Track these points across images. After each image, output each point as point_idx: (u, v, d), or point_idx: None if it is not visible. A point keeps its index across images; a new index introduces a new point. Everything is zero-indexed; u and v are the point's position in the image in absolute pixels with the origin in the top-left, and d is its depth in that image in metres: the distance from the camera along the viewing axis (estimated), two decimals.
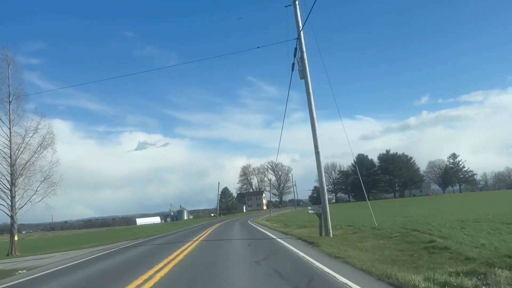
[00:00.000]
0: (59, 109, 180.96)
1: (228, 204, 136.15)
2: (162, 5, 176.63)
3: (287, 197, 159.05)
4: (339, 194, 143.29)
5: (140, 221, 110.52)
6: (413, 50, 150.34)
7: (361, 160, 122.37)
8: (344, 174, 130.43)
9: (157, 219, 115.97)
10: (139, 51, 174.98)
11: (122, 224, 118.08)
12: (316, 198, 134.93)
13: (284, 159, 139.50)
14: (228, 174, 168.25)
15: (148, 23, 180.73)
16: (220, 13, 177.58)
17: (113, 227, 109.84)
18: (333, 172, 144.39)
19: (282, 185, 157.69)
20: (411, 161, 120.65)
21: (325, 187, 15.44)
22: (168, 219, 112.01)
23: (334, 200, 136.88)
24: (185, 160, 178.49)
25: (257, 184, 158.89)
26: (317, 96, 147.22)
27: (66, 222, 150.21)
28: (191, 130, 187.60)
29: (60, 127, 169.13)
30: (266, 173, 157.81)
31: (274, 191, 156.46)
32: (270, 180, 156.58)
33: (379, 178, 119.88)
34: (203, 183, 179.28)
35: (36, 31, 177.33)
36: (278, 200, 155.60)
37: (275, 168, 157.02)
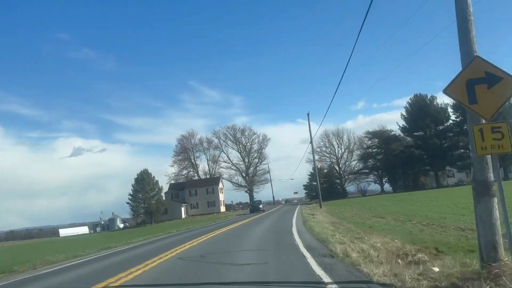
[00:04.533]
0: None
1: (150, 204, 73.86)
2: (99, 7, 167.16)
3: (260, 190, 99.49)
4: (351, 184, 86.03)
5: (65, 232, 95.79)
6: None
7: (422, 107, 64.89)
8: (378, 136, 72.26)
9: (84, 229, 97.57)
10: (74, 53, 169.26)
11: (48, 235, 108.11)
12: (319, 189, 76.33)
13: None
14: None
15: (84, 25, 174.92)
16: (159, 16, 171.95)
17: (35, 239, 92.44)
18: (337, 146, 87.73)
19: (253, 168, 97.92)
20: None
21: None
22: (98, 229, 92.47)
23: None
24: (125, 166, 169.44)
25: (208, 167, 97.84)
26: (259, 101, 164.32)
27: None
28: (131, 135, 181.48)
29: None
30: (225, 146, 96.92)
31: (237, 178, 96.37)
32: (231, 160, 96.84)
33: (459, 144, 63.18)
34: None
35: None
36: (247, 192, 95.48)
37: (240, 138, 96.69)
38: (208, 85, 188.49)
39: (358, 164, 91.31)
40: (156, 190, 77.39)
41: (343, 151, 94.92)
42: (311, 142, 41.21)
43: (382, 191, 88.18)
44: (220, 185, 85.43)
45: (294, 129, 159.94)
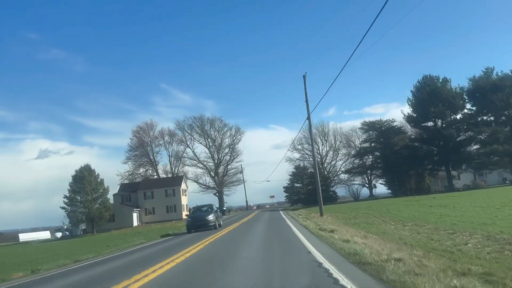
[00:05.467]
0: None
1: (91, 208, 58.71)
2: (69, 7, 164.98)
3: (232, 192, 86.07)
4: (336, 187, 74.19)
5: (25, 236, 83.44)
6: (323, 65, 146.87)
7: (433, 91, 53.62)
8: (377, 128, 60.34)
9: (46, 234, 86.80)
10: (43, 54, 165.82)
11: (9, 239, 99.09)
12: (319, 188, 63.81)
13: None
14: None
15: (54, 25, 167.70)
16: (130, 18, 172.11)
17: None
18: (321, 144, 78.69)
19: (224, 167, 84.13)
20: None
21: None
22: (59, 234, 75.47)
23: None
24: (94, 169, 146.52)
25: (170, 166, 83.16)
26: (231, 105, 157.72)
27: None
28: (100, 138, 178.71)
29: None
30: (190, 140, 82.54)
31: (205, 178, 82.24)
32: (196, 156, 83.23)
33: (477, 138, 52.13)
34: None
35: None
36: (216, 194, 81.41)
37: (208, 131, 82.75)
38: (180, 88, 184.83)
39: (344, 164, 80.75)
40: (101, 191, 62.10)
41: (327, 149, 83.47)
42: (308, 118, 27.97)
43: (371, 196, 76.82)
44: (183, 186, 71.01)
45: (267, 134, 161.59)
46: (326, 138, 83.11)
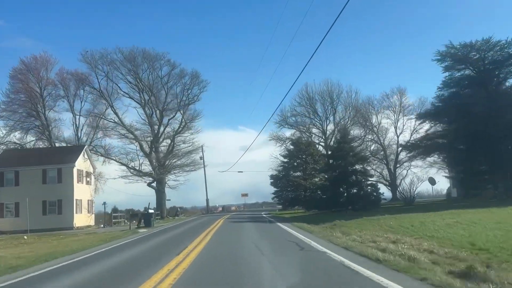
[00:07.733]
0: None
1: None
2: None
3: (180, 183, 53.69)
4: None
5: None
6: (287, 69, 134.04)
7: None
8: (471, 59, 31.15)
9: None
10: (8, 41, 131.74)
11: None
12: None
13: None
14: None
15: (23, 12, 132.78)
16: (99, 12, 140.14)
17: None
18: (325, 117, 56.43)
19: (170, 140, 52.58)
20: None
21: None
22: None
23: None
24: None
25: (76, 134, 50.06)
26: (199, 104, 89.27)
27: None
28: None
29: None
30: (112, 90, 50.75)
31: (139, 159, 50.21)
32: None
33: None
34: None
35: None
36: (153, 186, 49.89)
37: (145, 76, 51.47)
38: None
39: (359, 148, 54.24)
40: None
41: (336, 125, 54.74)
42: None
43: (394, 199, 49.11)
44: (82, 166, 38.66)
45: (235, 136, 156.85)
46: (334, 107, 55.39)
